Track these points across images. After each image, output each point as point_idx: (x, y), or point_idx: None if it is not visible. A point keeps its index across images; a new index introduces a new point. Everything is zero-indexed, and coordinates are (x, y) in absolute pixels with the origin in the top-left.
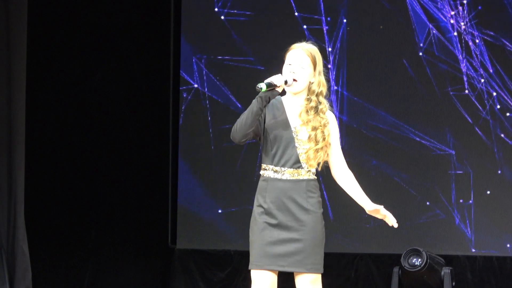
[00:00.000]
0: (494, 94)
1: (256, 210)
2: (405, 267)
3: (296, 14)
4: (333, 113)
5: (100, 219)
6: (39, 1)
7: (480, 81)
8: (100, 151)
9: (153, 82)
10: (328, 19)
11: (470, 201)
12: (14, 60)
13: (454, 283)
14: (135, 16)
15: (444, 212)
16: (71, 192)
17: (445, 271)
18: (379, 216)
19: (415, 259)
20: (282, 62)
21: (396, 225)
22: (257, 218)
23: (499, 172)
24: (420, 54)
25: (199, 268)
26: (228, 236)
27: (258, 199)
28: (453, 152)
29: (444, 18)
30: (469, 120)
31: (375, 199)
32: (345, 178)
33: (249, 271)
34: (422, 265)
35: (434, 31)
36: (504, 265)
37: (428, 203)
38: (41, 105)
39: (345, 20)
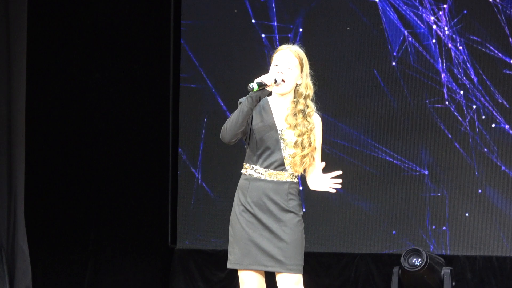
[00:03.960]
0: (474, 106)
1: (237, 208)
2: (405, 267)
3: (253, 21)
4: (320, 115)
5: (100, 219)
6: (39, 1)
7: (459, 92)
8: (100, 151)
9: (153, 82)
10: (291, 26)
11: (445, 226)
12: (14, 60)
13: (454, 283)
14: (135, 16)
15: (417, 239)
16: (71, 192)
17: (445, 271)
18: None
19: (415, 259)
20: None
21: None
22: (238, 216)
23: (480, 191)
24: (393, 63)
25: (199, 268)
26: (228, 236)
27: (239, 197)
28: (427, 173)
29: (421, 24)
30: (448, 134)
31: (337, 227)
32: (314, 179)
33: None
34: (422, 265)
35: (409, 39)
36: (504, 265)
37: (394, 232)
38: (41, 105)
39: (301, 29)
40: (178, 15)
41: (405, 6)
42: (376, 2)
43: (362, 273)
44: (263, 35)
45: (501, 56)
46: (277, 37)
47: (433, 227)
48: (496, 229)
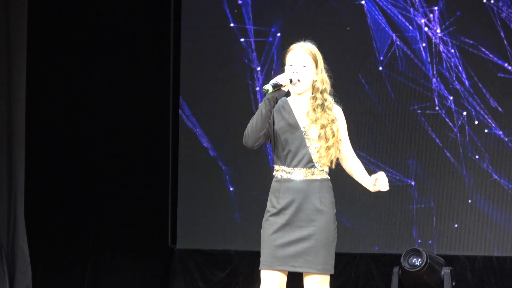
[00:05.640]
0: (465, 113)
1: (270, 209)
2: (405, 267)
3: (232, 25)
4: (340, 107)
5: (100, 219)
6: (39, 1)
7: (450, 98)
8: (100, 151)
9: (153, 82)
10: (272, 29)
11: (432, 239)
12: (14, 60)
13: (454, 283)
14: (135, 16)
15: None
16: (71, 192)
17: (445, 271)
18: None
19: (415, 259)
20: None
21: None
22: (270, 219)
23: (470, 201)
24: (380, 68)
25: (199, 268)
26: (228, 236)
27: (272, 199)
28: (413, 183)
29: (410, 27)
30: (438, 141)
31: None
32: (353, 167)
33: (249, 271)
34: (422, 265)
35: (398, 42)
36: (504, 265)
37: (376, 248)
38: (41, 105)
39: (279, 34)
40: (178, 16)
41: (394, 8)
42: (362, 4)
43: (362, 273)
44: (242, 39)
45: (495, 59)
46: (252, 41)
47: (419, 240)
48: (487, 241)
